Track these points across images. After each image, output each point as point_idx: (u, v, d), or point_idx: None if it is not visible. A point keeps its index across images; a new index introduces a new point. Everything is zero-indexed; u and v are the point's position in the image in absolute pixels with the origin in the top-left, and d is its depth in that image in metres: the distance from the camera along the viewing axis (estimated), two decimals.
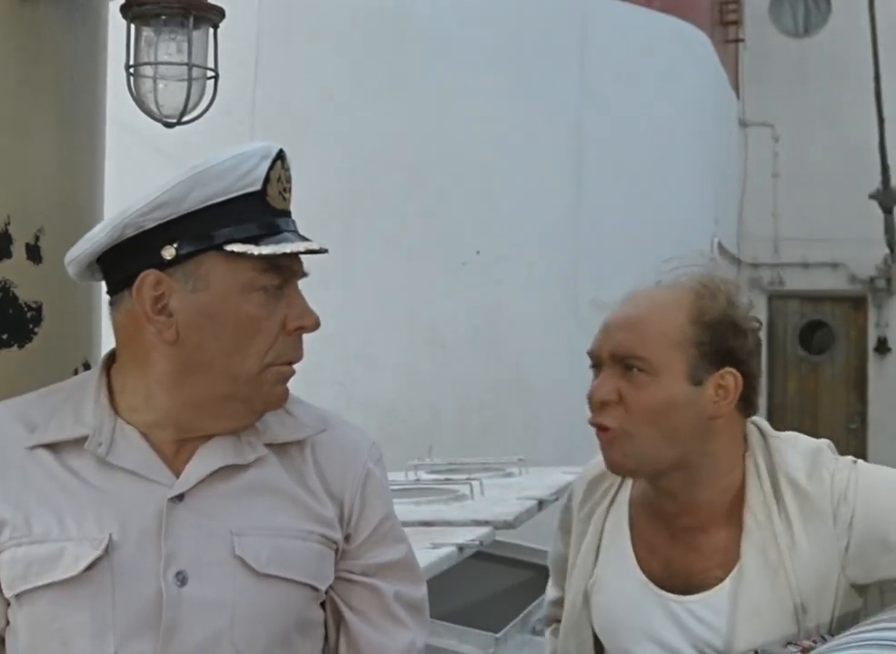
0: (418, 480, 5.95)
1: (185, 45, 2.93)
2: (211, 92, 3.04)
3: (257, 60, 8.33)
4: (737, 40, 13.58)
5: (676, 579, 2.19)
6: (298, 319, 1.83)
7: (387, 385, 8.20)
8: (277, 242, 1.78)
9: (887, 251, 13.36)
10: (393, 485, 5.57)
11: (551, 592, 2.53)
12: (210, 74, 3.10)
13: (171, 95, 2.96)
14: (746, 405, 2.20)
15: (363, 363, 8.26)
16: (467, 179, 8.45)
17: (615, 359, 2.13)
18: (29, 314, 2.78)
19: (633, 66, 9.33)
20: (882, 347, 13.93)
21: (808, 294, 13.95)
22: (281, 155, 1.81)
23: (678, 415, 2.11)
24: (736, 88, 13.56)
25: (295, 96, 8.39)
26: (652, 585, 2.20)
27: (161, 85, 2.96)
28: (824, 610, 2.13)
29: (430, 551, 4.07)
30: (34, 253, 2.40)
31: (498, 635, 4.28)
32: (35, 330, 2.75)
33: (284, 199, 1.83)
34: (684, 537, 2.19)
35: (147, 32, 2.99)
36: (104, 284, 1.89)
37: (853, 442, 13.39)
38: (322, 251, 1.82)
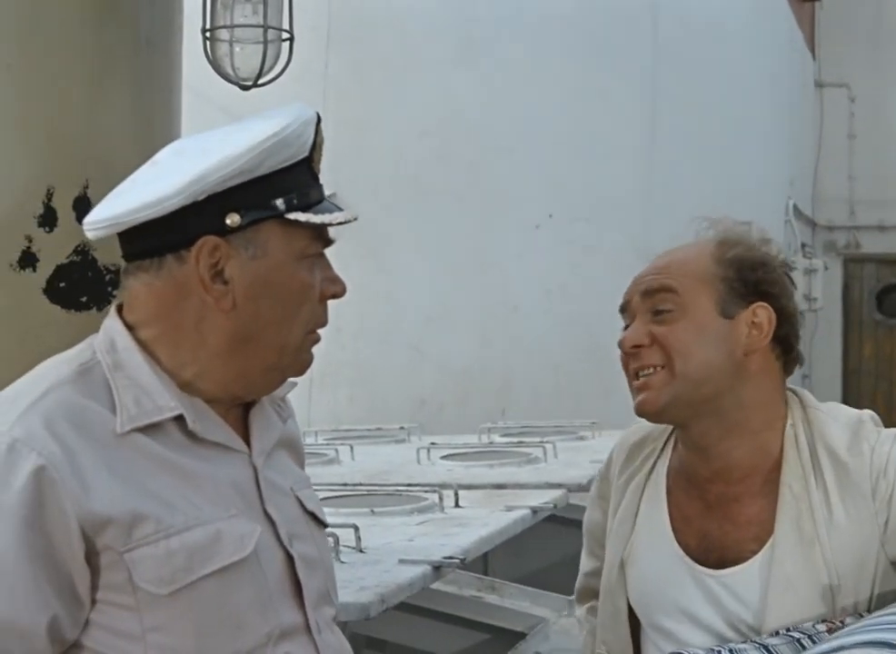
0: (491, 443, 5.96)
1: (261, 7, 2.95)
2: (286, 54, 3.05)
3: (329, 24, 8.32)
4: None
5: (711, 552, 2.15)
6: (333, 286, 1.81)
7: (461, 348, 8.20)
8: (324, 211, 1.78)
9: None
10: (467, 448, 5.64)
11: (586, 563, 2.50)
12: (285, 35, 3.12)
13: (247, 58, 2.97)
14: (784, 351, 2.18)
15: (436, 327, 8.26)
16: (540, 142, 8.41)
17: (646, 296, 2.15)
18: (108, 277, 2.81)
19: (708, 26, 9.23)
20: None
21: (884, 258, 13.76)
22: (320, 119, 1.80)
23: (711, 347, 2.10)
24: (812, 48, 13.39)
25: (367, 61, 8.38)
26: (687, 558, 2.17)
27: (237, 48, 2.98)
28: (862, 588, 2.07)
29: (504, 514, 4.08)
30: None
31: (571, 597, 4.28)
32: (114, 293, 2.79)
33: (320, 165, 1.82)
34: (719, 507, 2.15)
35: None
36: None
37: None
38: (355, 219, 1.80)
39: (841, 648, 1.86)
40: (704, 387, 2.10)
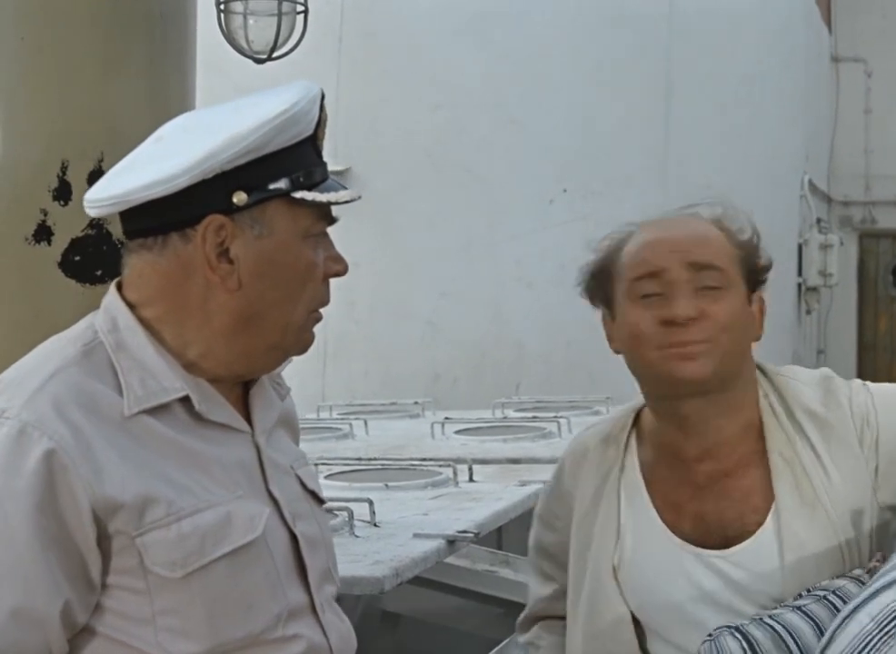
0: (505, 417, 5.97)
1: None
2: (301, 27, 3.04)
3: None
4: None
5: (712, 533, 2.12)
6: (336, 265, 1.80)
7: (474, 323, 8.20)
8: (329, 190, 1.76)
9: None
10: (481, 422, 5.63)
11: (541, 588, 2.37)
12: (300, 8, 3.11)
13: (261, 31, 2.96)
14: None
15: (449, 301, 8.26)
16: (554, 116, 8.39)
17: (692, 269, 2.08)
18: (123, 251, 2.81)
19: (723, 0, 9.20)
20: None
21: None
22: (324, 96, 1.79)
23: (743, 329, 2.12)
24: (828, 23, 13.32)
25: (381, 34, 8.36)
26: (688, 546, 2.13)
27: (251, 21, 2.96)
28: (863, 535, 2.10)
29: (517, 489, 4.09)
30: None
31: None
32: None
33: (323, 142, 1.81)
34: (711, 486, 2.13)
35: None
36: None
37: None
38: (360, 198, 1.79)
39: (886, 586, 1.89)
40: (733, 363, 2.11)
